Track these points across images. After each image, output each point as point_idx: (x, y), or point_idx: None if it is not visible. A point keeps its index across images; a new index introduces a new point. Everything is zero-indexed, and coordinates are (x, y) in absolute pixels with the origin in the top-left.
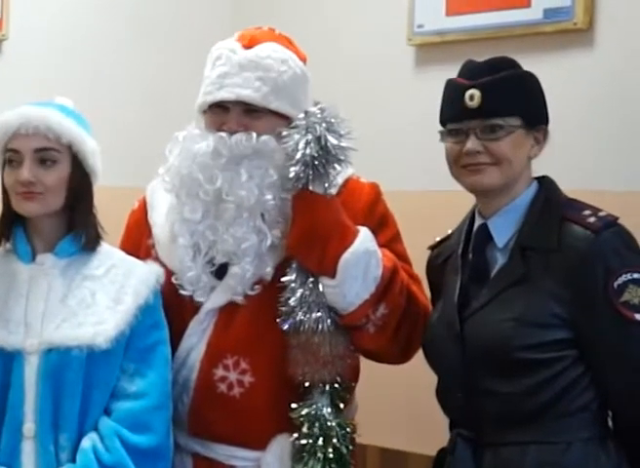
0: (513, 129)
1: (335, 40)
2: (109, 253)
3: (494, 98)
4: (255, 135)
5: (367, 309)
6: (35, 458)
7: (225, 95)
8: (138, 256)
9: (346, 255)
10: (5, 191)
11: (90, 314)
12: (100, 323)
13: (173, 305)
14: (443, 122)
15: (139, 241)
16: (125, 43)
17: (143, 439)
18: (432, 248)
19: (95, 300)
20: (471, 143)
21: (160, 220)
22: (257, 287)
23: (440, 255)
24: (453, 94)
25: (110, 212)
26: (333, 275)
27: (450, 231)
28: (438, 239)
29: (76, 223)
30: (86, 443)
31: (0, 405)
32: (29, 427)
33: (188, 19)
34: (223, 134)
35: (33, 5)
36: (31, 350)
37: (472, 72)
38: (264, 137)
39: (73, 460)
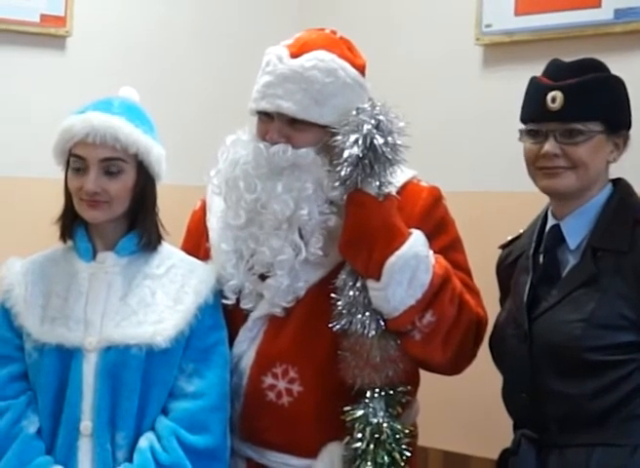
0: (593, 134)
1: (402, 39)
2: (170, 252)
3: (576, 102)
4: (290, 148)
5: (412, 315)
6: (92, 456)
7: (266, 105)
8: (198, 257)
9: (392, 259)
10: (67, 191)
11: (150, 313)
12: (159, 322)
13: (225, 310)
14: (524, 120)
15: (198, 242)
16: (189, 41)
17: (200, 439)
18: (503, 246)
19: (154, 299)
20: (549, 146)
21: (214, 225)
22: (290, 299)
23: (510, 255)
24: (535, 93)
25: (172, 210)
26: (378, 278)
27: (521, 230)
28: (510, 238)
29: (138, 223)
30: (143, 442)
31: (58, 402)
32: (86, 425)
33: (253, 18)
34: (262, 145)
35: (97, 2)
36: (90, 348)
37: (557, 72)
38: (302, 151)
39: (130, 459)
